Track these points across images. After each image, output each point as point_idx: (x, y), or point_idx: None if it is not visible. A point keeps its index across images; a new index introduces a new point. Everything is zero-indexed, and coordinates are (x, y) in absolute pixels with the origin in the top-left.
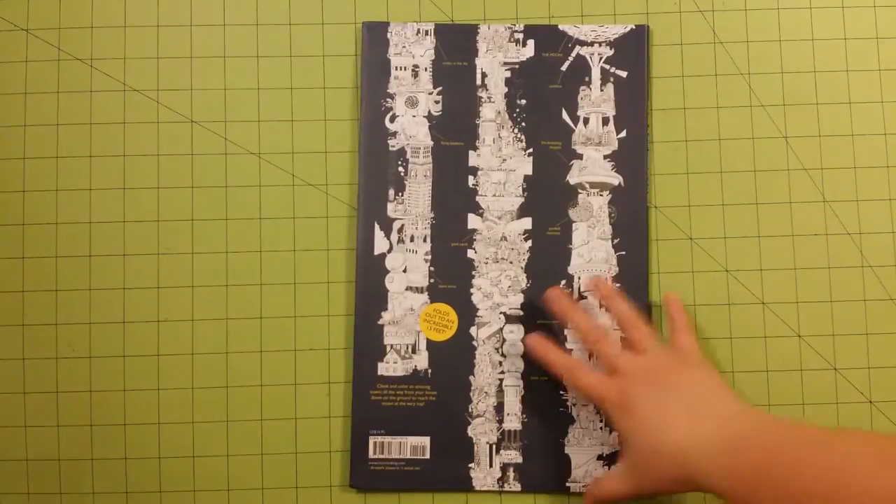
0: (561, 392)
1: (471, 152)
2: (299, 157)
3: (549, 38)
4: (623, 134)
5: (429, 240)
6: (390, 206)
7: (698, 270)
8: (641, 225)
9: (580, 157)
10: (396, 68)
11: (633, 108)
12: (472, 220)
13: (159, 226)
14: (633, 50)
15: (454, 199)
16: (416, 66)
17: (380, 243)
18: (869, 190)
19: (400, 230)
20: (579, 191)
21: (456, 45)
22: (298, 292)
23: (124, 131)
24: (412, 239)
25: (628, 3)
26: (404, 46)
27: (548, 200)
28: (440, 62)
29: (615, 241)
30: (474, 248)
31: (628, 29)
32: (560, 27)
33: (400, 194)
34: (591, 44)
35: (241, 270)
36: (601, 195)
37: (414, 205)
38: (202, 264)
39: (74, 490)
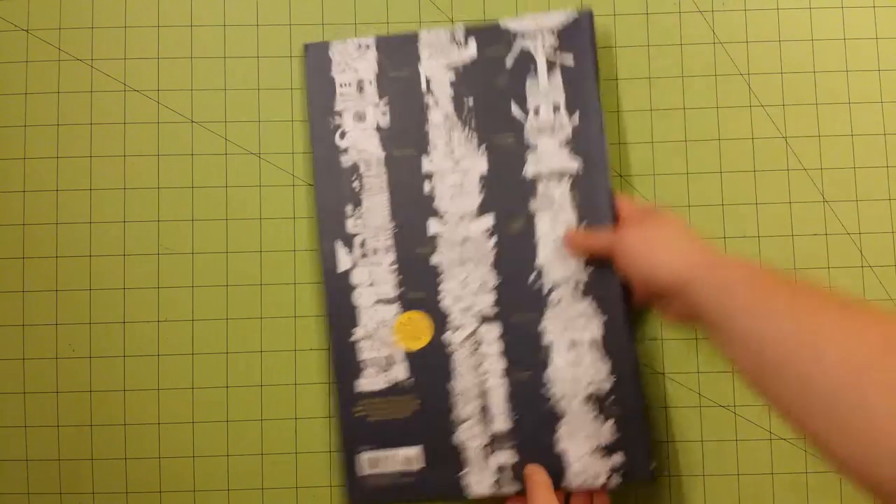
0: (545, 385)
1: (424, 158)
2: (299, 157)
3: (490, 36)
4: (576, 118)
5: (392, 250)
6: (349, 223)
7: None
8: (606, 204)
9: (534, 147)
10: (341, 85)
11: (583, 92)
12: (433, 225)
13: (159, 226)
14: (577, 35)
15: (412, 206)
16: (360, 80)
17: (343, 260)
18: (869, 190)
19: (362, 245)
20: (537, 182)
21: (398, 54)
22: (299, 292)
23: (124, 131)
24: (375, 252)
25: (628, 2)
26: (347, 63)
27: (507, 195)
28: (385, 74)
29: (582, 224)
30: (438, 253)
31: (571, 17)
32: (501, 23)
33: (358, 209)
34: (535, 35)
35: (241, 270)
36: (561, 182)
37: (373, 217)
38: (202, 264)
39: (74, 490)
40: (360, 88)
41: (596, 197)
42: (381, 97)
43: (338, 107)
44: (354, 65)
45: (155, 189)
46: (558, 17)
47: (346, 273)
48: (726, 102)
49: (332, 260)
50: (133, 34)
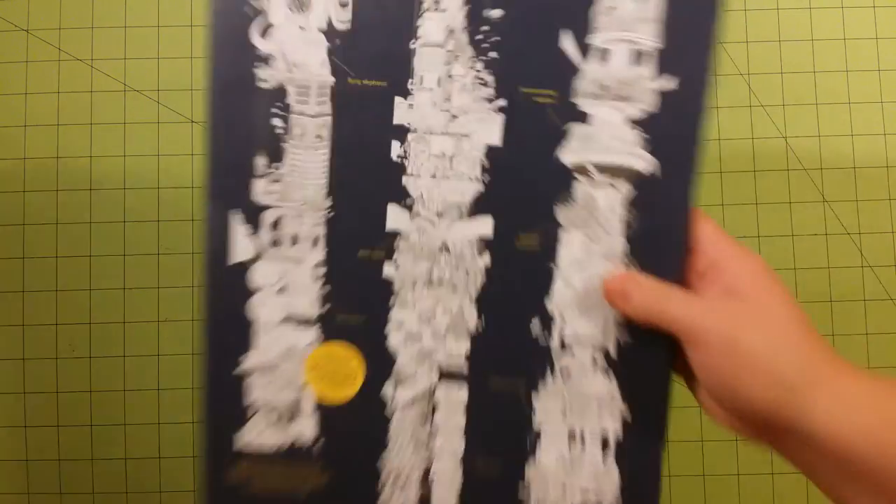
0: (520, 488)
1: (398, 100)
2: None
3: None
4: (671, 82)
5: (322, 243)
6: (258, 185)
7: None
8: (679, 236)
9: (585, 118)
10: None
11: (696, 36)
12: (395, 216)
13: (159, 226)
14: None
15: (366, 178)
16: None
17: (241, 245)
18: (869, 190)
19: (275, 225)
20: (577, 176)
21: None
22: None
23: (124, 131)
24: (294, 241)
25: None
26: None
27: (523, 190)
28: None
29: (630, 262)
30: (395, 262)
31: None
32: None
33: (275, 165)
34: None
35: None
36: (614, 187)
37: (298, 185)
38: (202, 264)
39: (74, 490)
40: None
41: (667, 221)
42: None
43: None
44: None
45: (155, 189)
46: None
47: (243, 267)
48: (726, 102)
49: (222, 242)
50: (133, 34)
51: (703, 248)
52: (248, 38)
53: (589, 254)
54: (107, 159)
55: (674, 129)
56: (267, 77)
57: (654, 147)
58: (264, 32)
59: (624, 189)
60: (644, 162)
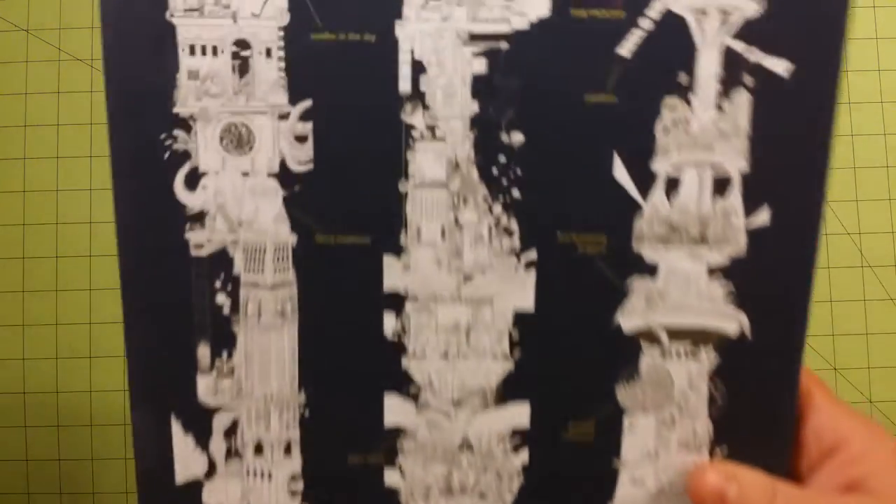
0: None
1: (388, 259)
2: None
3: None
4: (766, 219)
5: (297, 450)
6: (203, 383)
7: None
8: (782, 421)
9: (649, 269)
10: None
11: (796, 156)
12: (395, 409)
13: None
14: (811, 11)
15: (351, 364)
16: None
17: (186, 461)
18: (869, 190)
19: (230, 431)
20: (642, 345)
21: None
22: None
23: None
24: (259, 449)
25: None
26: None
27: (569, 366)
28: None
29: (719, 450)
30: (399, 467)
31: None
32: None
33: (224, 355)
34: None
35: None
36: (694, 356)
37: (258, 378)
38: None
39: (74, 490)
40: None
41: (764, 394)
42: None
43: None
44: None
45: None
46: None
47: (191, 488)
48: None
49: (160, 458)
50: None
51: (814, 426)
52: (172, 191)
53: (663, 442)
54: (107, 159)
55: (769, 276)
56: (202, 241)
57: (743, 302)
58: (193, 183)
59: (706, 358)
60: (733, 322)
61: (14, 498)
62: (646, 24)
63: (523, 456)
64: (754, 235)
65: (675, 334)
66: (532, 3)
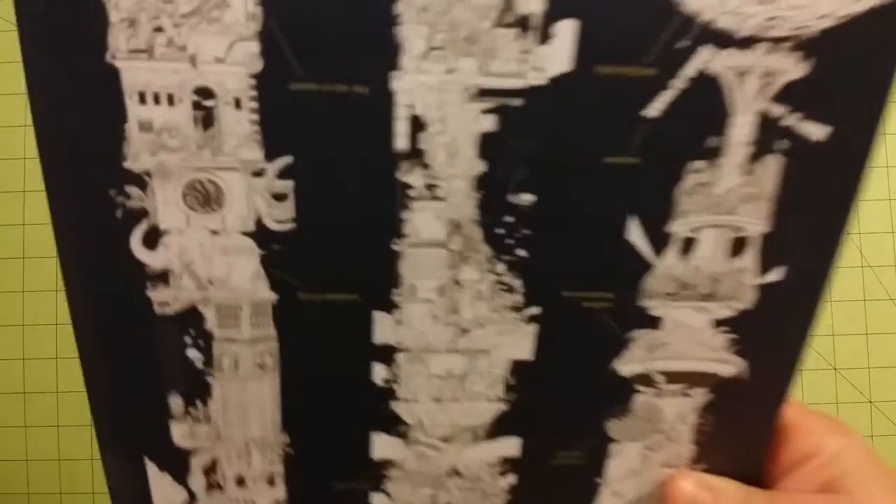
0: None
1: (378, 315)
2: None
3: (621, 6)
4: (779, 275)
5: (281, 481)
6: (178, 429)
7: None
8: (760, 441)
9: (654, 322)
10: None
11: (816, 216)
12: (384, 445)
13: None
14: (853, 73)
15: (338, 408)
16: None
17: (167, 494)
18: (869, 190)
19: (209, 470)
20: (638, 388)
21: None
22: None
23: None
24: (241, 482)
25: None
26: None
27: (562, 407)
28: None
29: (696, 464)
30: (385, 491)
31: (863, 4)
32: None
33: (198, 404)
34: (748, 42)
35: None
36: (688, 395)
37: (237, 423)
38: None
39: (74, 490)
40: None
41: (750, 423)
42: None
43: None
44: None
45: None
46: (826, 1)
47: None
48: None
49: (136, 498)
50: None
51: (789, 435)
52: (129, 251)
53: (647, 463)
54: None
55: (773, 326)
56: (167, 300)
57: (743, 348)
58: (152, 241)
59: (699, 395)
60: (730, 366)
61: (14, 498)
62: (677, 83)
63: (511, 479)
64: (764, 290)
65: (673, 377)
66: (552, 56)
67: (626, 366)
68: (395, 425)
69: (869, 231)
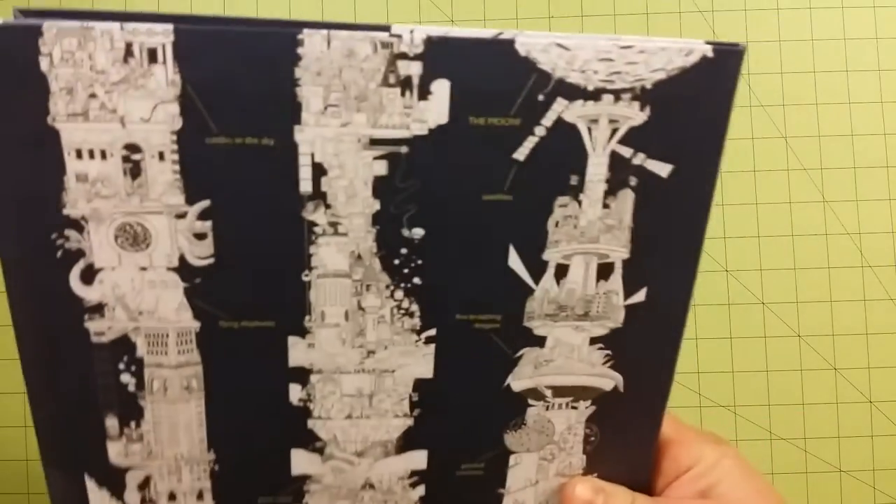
0: None
1: (293, 339)
2: None
3: (489, 66)
4: (641, 296)
5: (209, 496)
6: (114, 448)
7: (698, 270)
8: (644, 450)
9: (539, 341)
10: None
11: (668, 243)
12: (302, 461)
13: None
14: (695, 109)
15: (258, 426)
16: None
17: None
18: (868, 190)
19: (143, 485)
20: (530, 401)
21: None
22: None
23: None
24: (172, 497)
25: (627, 3)
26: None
27: (463, 420)
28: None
29: (588, 474)
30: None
31: (690, 58)
32: (517, 41)
33: (132, 425)
34: (596, 94)
35: None
36: (573, 407)
37: (168, 442)
38: None
39: None
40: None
41: (631, 432)
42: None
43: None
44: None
45: None
46: (658, 58)
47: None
48: None
49: None
50: None
51: (672, 453)
52: (68, 286)
53: (543, 473)
54: None
55: (641, 343)
56: (103, 329)
57: (619, 365)
58: (89, 278)
59: (584, 407)
60: (608, 380)
61: (14, 498)
62: (540, 131)
63: (420, 491)
64: (630, 309)
65: (559, 391)
66: (431, 110)
67: (517, 381)
68: (312, 442)
69: (869, 231)
